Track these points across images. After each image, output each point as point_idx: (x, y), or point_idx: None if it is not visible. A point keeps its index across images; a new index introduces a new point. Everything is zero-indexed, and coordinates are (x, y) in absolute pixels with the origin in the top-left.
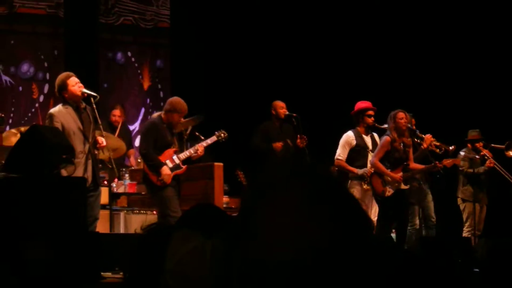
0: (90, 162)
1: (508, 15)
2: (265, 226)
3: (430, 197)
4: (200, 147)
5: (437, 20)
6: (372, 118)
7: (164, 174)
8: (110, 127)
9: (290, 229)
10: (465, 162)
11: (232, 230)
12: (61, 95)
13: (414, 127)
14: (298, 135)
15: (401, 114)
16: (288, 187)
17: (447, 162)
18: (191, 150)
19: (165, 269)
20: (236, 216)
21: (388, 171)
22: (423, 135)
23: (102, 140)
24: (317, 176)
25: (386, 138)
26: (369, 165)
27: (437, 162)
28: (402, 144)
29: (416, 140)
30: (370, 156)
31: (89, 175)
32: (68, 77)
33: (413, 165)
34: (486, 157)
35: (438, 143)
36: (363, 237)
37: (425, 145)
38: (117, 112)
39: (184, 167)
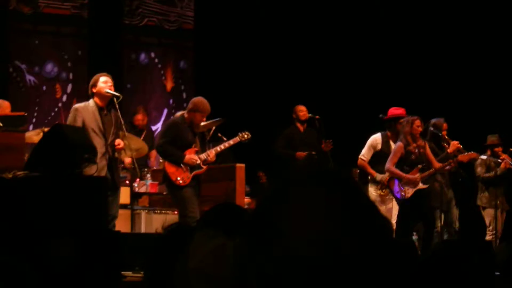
0: (105, 163)
1: None
2: (287, 225)
3: (454, 203)
4: (211, 152)
5: (458, 28)
6: None
7: (188, 159)
8: (134, 129)
9: (311, 230)
10: (482, 168)
11: (252, 229)
12: (91, 91)
13: (445, 132)
14: (323, 140)
15: (418, 122)
16: (310, 190)
17: (463, 157)
18: (203, 155)
19: (187, 268)
20: (252, 214)
21: (404, 174)
22: (450, 140)
23: (119, 142)
24: (338, 180)
25: (399, 144)
26: (387, 172)
27: (451, 160)
28: (417, 147)
29: (444, 144)
30: None
31: (104, 174)
32: (102, 75)
33: (437, 164)
34: (500, 160)
35: (463, 150)
36: (382, 240)
37: (450, 150)
38: (139, 116)
39: (204, 167)
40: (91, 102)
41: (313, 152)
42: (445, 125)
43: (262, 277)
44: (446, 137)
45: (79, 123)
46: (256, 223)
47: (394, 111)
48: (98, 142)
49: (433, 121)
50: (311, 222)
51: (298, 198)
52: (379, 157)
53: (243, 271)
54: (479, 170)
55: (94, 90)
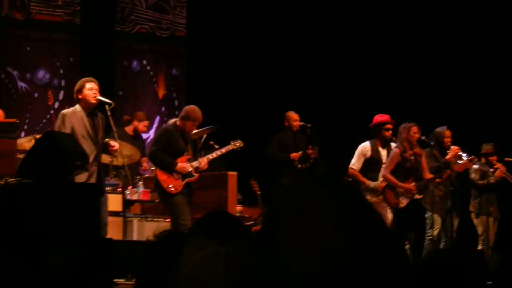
0: (95, 168)
1: None
2: (288, 235)
3: (452, 212)
4: (203, 160)
5: (452, 36)
6: (390, 132)
7: (180, 167)
8: (135, 134)
9: (312, 239)
10: (477, 174)
11: (254, 239)
12: (77, 97)
13: (450, 139)
14: (310, 146)
15: (415, 129)
16: (311, 199)
17: (458, 167)
18: (195, 163)
19: (180, 275)
20: (260, 228)
21: (400, 183)
22: (451, 146)
23: (114, 144)
24: (340, 188)
25: (395, 150)
26: (380, 179)
27: (448, 170)
28: (413, 154)
29: (448, 152)
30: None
31: (93, 180)
32: (88, 81)
33: (428, 175)
34: (495, 168)
35: (463, 155)
36: (384, 250)
37: (449, 156)
38: (146, 122)
39: (196, 175)
40: (78, 107)
41: (308, 153)
42: (448, 133)
43: (263, 286)
44: (449, 144)
45: (67, 129)
46: (259, 233)
47: (378, 117)
48: (88, 147)
49: (437, 129)
50: (312, 233)
51: (299, 207)
52: (369, 164)
53: (235, 279)
54: (473, 176)
55: (80, 96)
